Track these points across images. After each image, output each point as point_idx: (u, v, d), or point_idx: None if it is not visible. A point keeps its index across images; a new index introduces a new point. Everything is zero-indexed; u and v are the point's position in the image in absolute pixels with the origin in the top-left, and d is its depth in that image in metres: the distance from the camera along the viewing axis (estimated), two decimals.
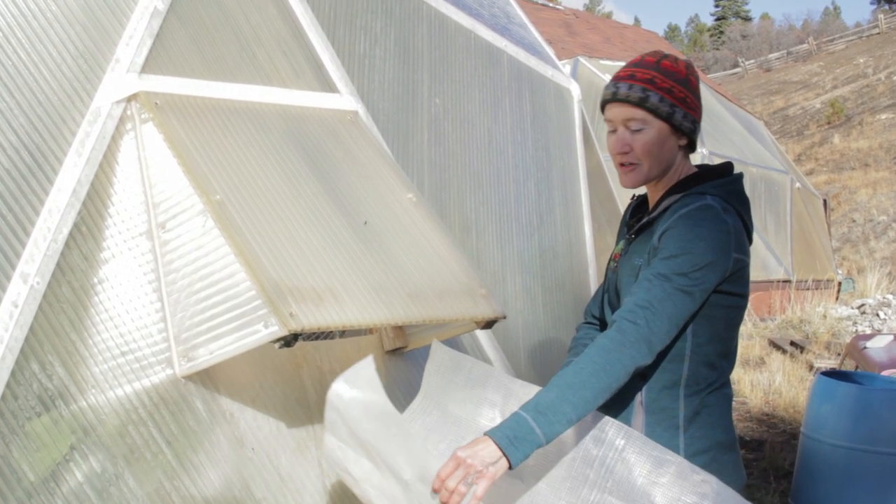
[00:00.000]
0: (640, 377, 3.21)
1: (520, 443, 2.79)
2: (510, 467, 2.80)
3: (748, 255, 3.24)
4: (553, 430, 2.84)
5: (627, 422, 3.25)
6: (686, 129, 3.29)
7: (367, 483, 3.00)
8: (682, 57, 3.45)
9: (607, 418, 3.16)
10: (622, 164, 3.30)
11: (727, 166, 3.41)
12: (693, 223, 3.11)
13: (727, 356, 3.30)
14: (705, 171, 3.35)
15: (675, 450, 3.18)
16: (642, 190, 3.48)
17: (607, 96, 3.31)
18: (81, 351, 3.12)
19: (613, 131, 3.31)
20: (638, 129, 3.24)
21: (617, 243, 3.56)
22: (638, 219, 3.43)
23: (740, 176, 3.37)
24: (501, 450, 2.78)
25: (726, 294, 3.17)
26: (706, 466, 3.19)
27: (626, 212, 3.60)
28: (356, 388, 2.99)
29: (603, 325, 3.56)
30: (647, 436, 3.19)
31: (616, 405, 3.28)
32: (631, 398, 3.26)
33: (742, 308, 3.28)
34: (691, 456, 3.18)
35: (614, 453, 3.10)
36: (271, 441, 3.46)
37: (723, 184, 3.27)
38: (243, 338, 3.12)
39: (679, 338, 3.15)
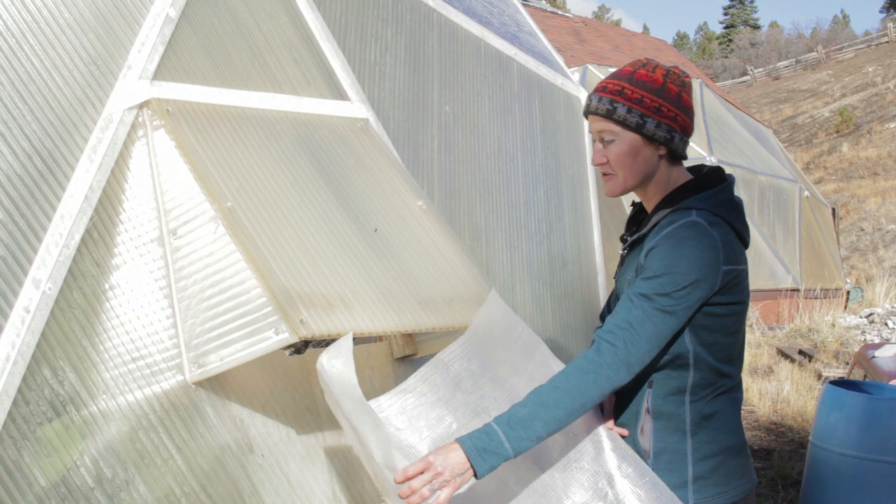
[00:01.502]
0: (647, 384, 3.23)
1: (488, 455, 2.86)
2: (476, 477, 2.88)
3: (742, 263, 3.22)
4: (522, 446, 2.91)
5: (635, 428, 3.26)
6: (660, 138, 3.24)
7: (352, 443, 3.15)
8: (670, 65, 3.40)
9: (634, 455, 3.21)
10: (603, 174, 3.32)
11: (717, 173, 3.38)
12: (677, 242, 3.09)
13: (731, 360, 3.29)
14: (694, 182, 3.32)
15: (683, 455, 3.20)
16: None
17: (584, 108, 3.32)
18: (93, 356, 3.13)
19: (594, 141, 3.32)
20: (610, 140, 3.24)
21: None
22: (632, 232, 3.43)
23: (729, 184, 3.34)
24: (469, 460, 2.85)
25: (722, 305, 3.16)
26: (714, 471, 3.21)
27: (632, 210, 3.60)
28: (336, 365, 3.07)
29: None
30: (654, 441, 3.23)
31: (624, 412, 3.30)
32: (638, 405, 3.27)
33: (741, 314, 3.27)
34: (699, 461, 3.20)
35: (632, 485, 3.15)
36: (281, 447, 3.47)
37: (710, 195, 3.24)
38: (254, 344, 3.14)
39: (680, 347, 3.16)
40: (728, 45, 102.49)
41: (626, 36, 26.47)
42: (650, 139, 3.23)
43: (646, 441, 3.25)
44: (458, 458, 2.85)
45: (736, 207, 3.29)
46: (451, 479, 2.83)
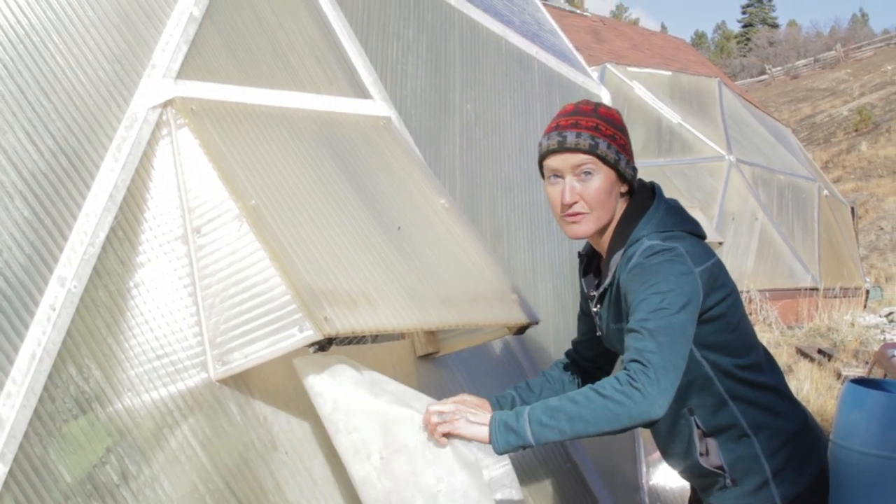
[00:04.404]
0: (687, 412, 3.24)
1: (509, 433, 2.97)
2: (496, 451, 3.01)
3: (711, 257, 3.18)
4: (543, 434, 2.95)
5: (693, 453, 3.28)
6: (628, 175, 3.24)
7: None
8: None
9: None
10: (568, 215, 3.22)
11: (645, 188, 3.35)
12: (644, 268, 3.06)
13: (748, 349, 3.28)
14: (632, 210, 3.28)
15: (756, 456, 3.26)
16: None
17: (553, 146, 3.21)
18: (117, 354, 3.15)
19: (557, 181, 3.24)
20: (588, 173, 3.17)
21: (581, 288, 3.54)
22: (596, 285, 3.40)
23: (660, 195, 3.31)
24: (490, 430, 2.98)
25: (713, 307, 3.13)
26: (788, 460, 3.28)
27: (580, 262, 3.56)
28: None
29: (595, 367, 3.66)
30: (724, 454, 3.27)
31: (676, 441, 3.34)
32: (688, 433, 3.27)
33: (735, 303, 3.25)
34: (771, 456, 3.25)
35: None
36: (304, 445, 3.48)
37: (650, 217, 3.22)
38: (278, 342, 3.14)
39: (694, 368, 3.14)
40: (746, 44, 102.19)
41: (645, 35, 26.38)
42: (621, 176, 3.22)
43: (714, 458, 3.27)
44: (481, 416, 3.03)
45: (676, 211, 3.29)
46: (459, 417, 3.02)
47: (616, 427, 2.90)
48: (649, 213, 3.23)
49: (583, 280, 3.50)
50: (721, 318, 3.17)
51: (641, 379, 2.87)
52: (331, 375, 3.24)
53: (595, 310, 3.39)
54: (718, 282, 3.16)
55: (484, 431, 2.98)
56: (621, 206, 3.29)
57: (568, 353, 3.71)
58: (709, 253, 3.20)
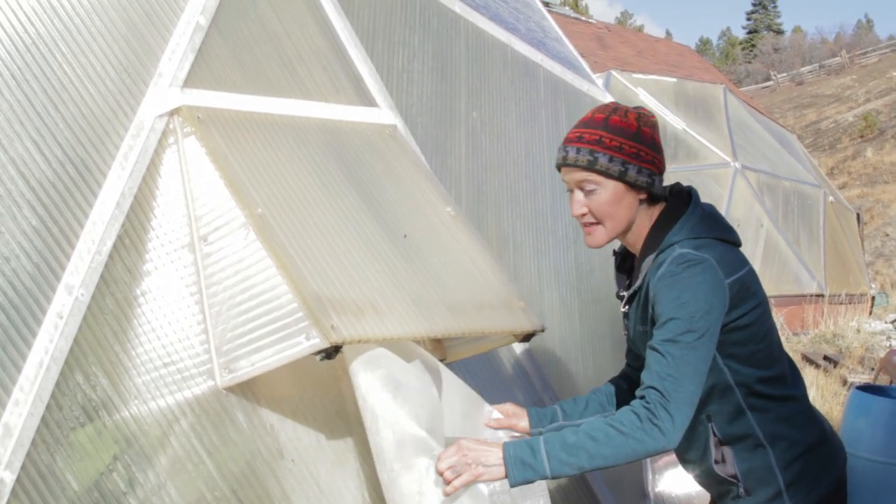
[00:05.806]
0: (705, 418, 3.23)
1: (525, 468, 2.98)
2: (510, 485, 3.02)
3: (743, 267, 3.19)
4: (561, 470, 2.99)
5: (708, 459, 3.29)
6: (642, 183, 3.21)
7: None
8: (633, 107, 3.30)
9: None
10: (584, 225, 3.27)
11: (682, 193, 3.35)
12: (674, 279, 3.07)
13: (774, 361, 3.26)
14: (667, 215, 3.28)
15: (770, 467, 3.24)
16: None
17: (559, 160, 3.25)
18: (124, 362, 3.15)
19: (571, 192, 3.27)
20: (592, 189, 3.18)
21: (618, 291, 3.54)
22: (626, 286, 3.41)
23: (696, 200, 3.31)
24: (506, 466, 2.99)
25: (742, 316, 3.13)
26: (802, 473, 3.24)
27: (614, 260, 3.56)
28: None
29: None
30: (739, 463, 3.27)
31: (693, 446, 3.33)
32: (704, 439, 3.27)
33: (764, 314, 3.24)
34: (786, 468, 3.23)
35: None
36: (311, 453, 3.48)
37: (684, 223, 3.22)
38: (284, 350, 3.15)
39: (716, 375, 3.14)
40: (751, 50, 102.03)
41: (650, 41, 26.33)
42: (632, 186, 3.20)
43: (729, 467, 3.27)
44: (493, 456, 2.99)
45: (711, 218, 3.28)
46: (474, 465, 2.97)
47: (634, 460, 2.99)
48: (683, 219, 3.22)
49: (616, 274, 3.52)
50: (748, 327, 3.16)
51: (661, 415, 2.92)
52: (365, 370, 3.24)
53: (624, 310, 3.40)
54: (749, 292, 3.16)
55: (501, 471, 2.99)
56: (655, 210, 3.29)
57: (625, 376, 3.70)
58: (741, 261, 3.20)
